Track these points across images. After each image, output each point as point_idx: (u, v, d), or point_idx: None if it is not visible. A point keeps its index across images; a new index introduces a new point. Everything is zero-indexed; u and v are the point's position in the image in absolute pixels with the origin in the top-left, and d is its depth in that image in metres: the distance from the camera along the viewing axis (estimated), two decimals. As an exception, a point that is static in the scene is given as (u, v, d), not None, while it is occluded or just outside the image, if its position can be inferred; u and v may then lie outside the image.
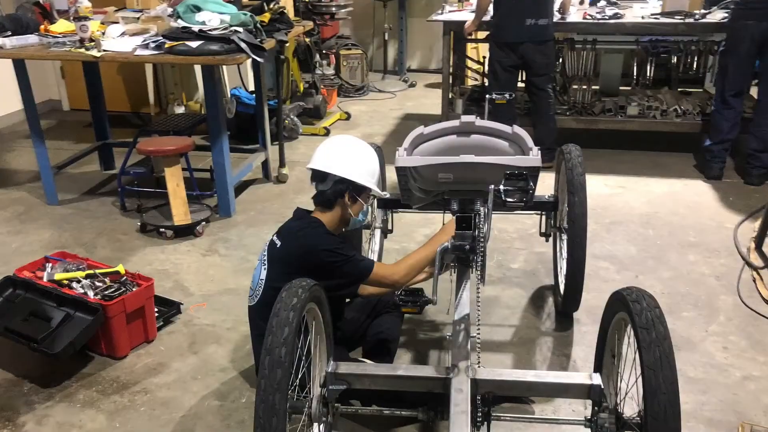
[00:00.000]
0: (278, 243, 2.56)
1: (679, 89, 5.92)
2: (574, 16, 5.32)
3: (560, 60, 5.69)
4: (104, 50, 4.13)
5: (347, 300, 2.86)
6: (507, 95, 3.77)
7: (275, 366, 1.84)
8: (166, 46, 4.04)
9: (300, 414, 2.09)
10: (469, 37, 5.71)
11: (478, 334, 2.36)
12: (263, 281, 2.55)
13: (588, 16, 5.25)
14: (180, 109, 6.39)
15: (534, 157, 2.69)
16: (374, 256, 3.45)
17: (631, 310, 1.88)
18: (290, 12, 5.06)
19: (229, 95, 5.84)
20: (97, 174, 5.30)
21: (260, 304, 2.54)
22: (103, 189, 5.04)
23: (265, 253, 2.60)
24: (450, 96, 5.80)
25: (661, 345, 1.78)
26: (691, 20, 5.08)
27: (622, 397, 2.09)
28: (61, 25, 4.42)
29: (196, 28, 4.06)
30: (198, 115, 5.52)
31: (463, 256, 2.60)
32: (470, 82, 6.77)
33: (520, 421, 2.54)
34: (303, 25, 5.30)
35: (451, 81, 5.84)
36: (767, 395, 2.76)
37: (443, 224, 2.79)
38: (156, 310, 3.25)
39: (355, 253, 2.55)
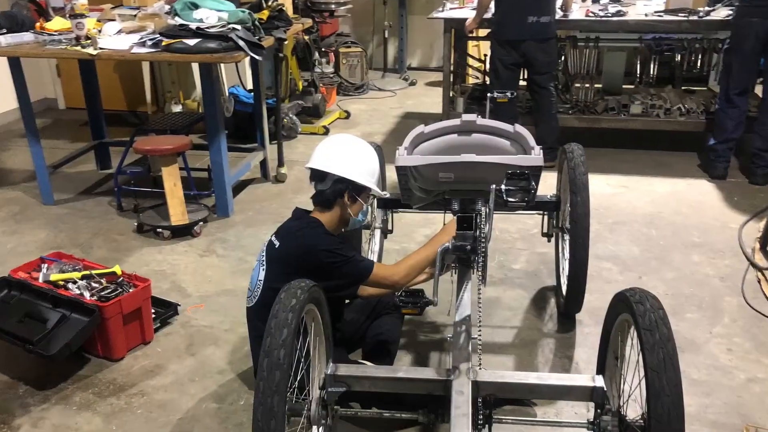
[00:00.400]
0: (277, 243, 2.56)
1: (682, 87, 5.91)
2: (577, 13, 5.32)
3: (562, 58, 5.69)
4: (100, 48, 4.13)
5: (347, 301, 2.86)
6: (508, 94, 3.77)
7: (274, 368, 1.85)
8: (163, 44, 4.04)
9: (299, 417, 2.09)
10: (471, 35, 5.71)
11: (479, 335, 2.36)
12: (261, 282, 2.55)
13: (591, 14, 5.25)
14: (177, 108, 6.39)
15: (536, 156, 2.69)
16: (374, 257, 3.45)
17: (634, 312, 1.88)
18: (289, 9, 5.06)
19: (227, 94, 5.84)
20: (94, 173, 5.30)
21: (259, 305, 2.54)
22: (100, 189, 5.04)
23: (264, 253, 2.60)
24: (451, 94, 5.80)
25: (665, 347, 1.78)
26: (695, 18, 5.07)
27: (625, 399, 2.10)
28: (57, 23, 4.42)
29: (193, 25, 4.06)
30: (195, 114, 5.52)
31: (464, 256, 2.61)
32: (471, 81, 6.77)
33: (521, 423, 2.54)
34: (302, 23, 5.30)
35: (452, 79, 5.83)
36: (772, 397, 2.76)
37: (444, 224, 2.79)
38: (153, 311, 3.25)
39: (354, 254, 2.55)
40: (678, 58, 5.84)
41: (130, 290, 3.11)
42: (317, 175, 2.59)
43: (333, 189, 2.56)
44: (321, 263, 2.46)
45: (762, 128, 4.84)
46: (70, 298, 3.01)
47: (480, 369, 2.26)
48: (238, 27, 4.10)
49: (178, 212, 4.20)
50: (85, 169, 5.35)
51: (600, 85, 5.83)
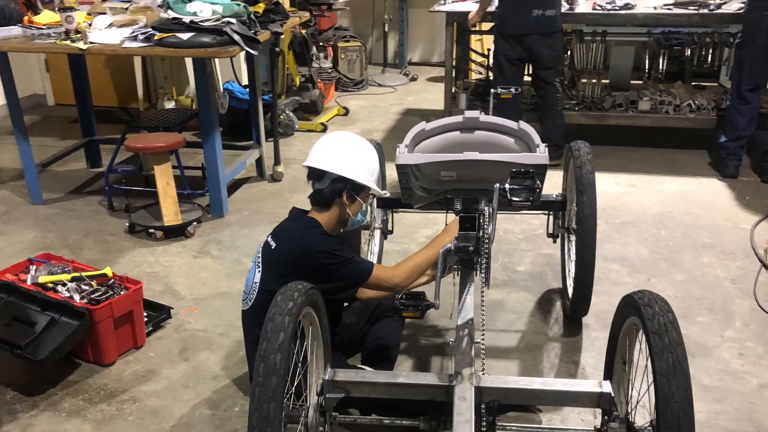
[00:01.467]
0: (273, 244, 2.56)
1: (693, 83, 5.91)
2: (583, 6, 5.32)
3: (568, 53, 5.69)
4: (91, 42, 4.13)
5: (345, 304, 2.86)
6: (513, 90, 3.78)
7: (270, 373, 1.85)
8: (156, 38, 4.04)
9: (296, 423, 2.09)
10: (473, 29, 5.71)
11: (483, 339, 2.36)
12: (257, 284, 2.55)
13: (598, 7, 5.25)
14: (170, 104, 6.39)
15: (541, 154, 2.70)
16: (374, 258, 3.45)
17: (642, 315, 1.88)
18: (286, 2, 5.07)
19: (221, 89, 5.84)
20: (84, 172, 5.31)
21: (254, 308, 2.54)
22: (90, 188, 5.04)
23: (260, 254, 2.60)
24: (453, 90, 5.80)
25: (674, 351, 1.78)
26: (706, 11, 5.07)
27: (634, 405, 2.10)
28: (46, 16, 4.42)
29: (187, 19, 4.06)
30: (189, 111, 5.52)
31: (467, 258, 2.61)
32: (474, 76, 6.77)
33: (526, 430, 2.54)
34: (299, 16, 5.31)
35: (454, 75, 5.84)
36: (785, 404, 2.77)
37: (446, 225, 2.79)
38: (145, 314, 3.26)
39: (353, 255, 2.56)
40: (688, 52, 5.82)
41: (122, 293, 3.11)
42: (315, 174, 2.59)
43: (331, 188, 2.56)
44: (319, 265, 2.46)
45: (775, 125, 4.84)
46: (60, 300, 3.01)
47: (483, 374, 2.26)
48: (233, 20, 4.10)
49: (171, 212, 4.20)
50: (74, 167, 5.35)
51: (607, 81, 5.83)
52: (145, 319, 3.25)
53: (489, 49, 5.78)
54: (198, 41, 3.97)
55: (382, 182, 3.32)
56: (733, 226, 4.26)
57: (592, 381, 2.25)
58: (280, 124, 5.79)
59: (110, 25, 4.35)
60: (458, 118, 2.93)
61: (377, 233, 3.50)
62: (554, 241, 3.47)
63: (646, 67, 5.97)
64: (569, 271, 3.35)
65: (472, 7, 5.32)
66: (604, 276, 3.66)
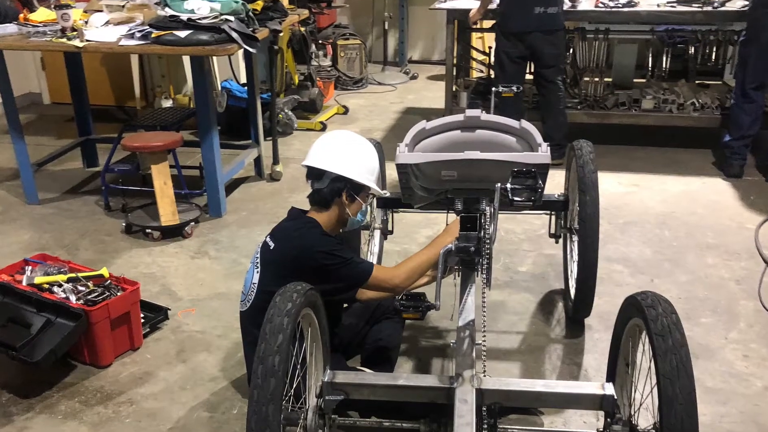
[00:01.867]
0: (272, 244, 2.56)
1: (696, 82, 5.91)
2: (586, 3, 5.32)
3: (571, 51, 5.69)
4: (87, 40, 4.13)
5: (345, 305, 2.86)
6: (514, 88, 3.77)
7: (268, 375, 1.85)
8: (153, 35, 4.05)
9: (295, 426, 2.09)
10: (475, 26, 5.71)
11: (484, 341, 2.36)
12: (256, 285, 2.55)
13: (600, 4, 5.26)
14: (167, 103, 6.39)
15: (543, 153, 2.69)
16: (373, 259, 3.45)
17: (646, 316, 1.88)
18: (284, 0, 5.07)
19: (219, 88, 5.84)
20: (80, 171, 5.31)
21: (253, 309, 2.55)
22: (86, 187, 5.04)
23: (258, 255, 2.60)
24: (454, 89, 5.80)
25: (678, 353, 1.78)
26: (710, 8, 5.08)
27: (637, 408, 2.10)
28: (42, 14, 4.42)
29: (184, 16, 4.06)
30: (186, 109, 5.52)
31: (468, 258, 2.61)
32: (475, 74, 6.77)
33: (528, 433, 2.54)
34: (298, 14, 5.30)
35: (455, 73, 5.83)
36: (790, 406, 2.76)
37: (446, 225, 2.79)
38: (142, 315, 3.26)
39: (353, 256, 2.56)
40: (692, 50, 5.83)
41: (118, 294, 3.11)
42: (314, 174, 2.59)
43: (331, 188, 2.56)
44: (318, 265, 2.46)
45: (780, 124, 4.84)
46: (55, 302, 3.01)
47: (484, 376, 2.26)
48: (231, 18, 4.10)
49: (168, 212, 4.20)
50: (71, 166, 5.35)
51: (610, 79, 5.83)
52: (142, 320, 3.25)
53: (490, 47, 5.78)
54: (195, 39, 3.97)
55: (382, 182, 3.32)
56: (737, 226, 4.25)
57: (594, 383, 2.25)
58: (279, 123, 5.79)
59: (107, 23, 4.35)
60: (459, 117, 2.93)
61: (377, 233, 3.50)
62: (556, 242, 3.47)
63: (650, 65, 5.97)
64: (571, 271, 3.35)
65: (473, 5, 5.32)
66: (606, 277, 3.66)
